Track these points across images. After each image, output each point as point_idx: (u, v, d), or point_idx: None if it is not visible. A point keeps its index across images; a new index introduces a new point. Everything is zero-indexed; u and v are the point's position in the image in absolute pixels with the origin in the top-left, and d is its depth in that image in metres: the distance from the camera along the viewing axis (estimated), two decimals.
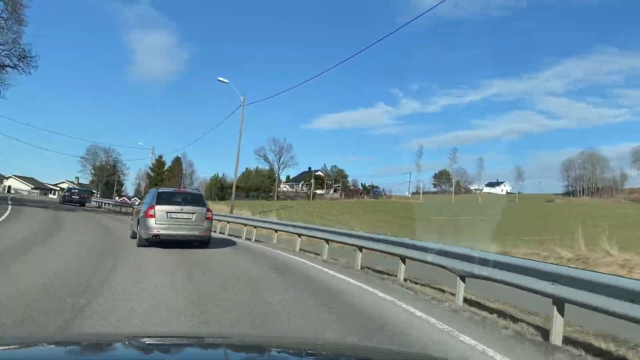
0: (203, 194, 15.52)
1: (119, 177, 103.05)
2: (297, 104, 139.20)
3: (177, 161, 78.38)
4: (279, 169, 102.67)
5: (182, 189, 19.00)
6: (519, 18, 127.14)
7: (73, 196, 42.76)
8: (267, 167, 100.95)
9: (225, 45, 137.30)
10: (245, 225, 19.19)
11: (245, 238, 18.05)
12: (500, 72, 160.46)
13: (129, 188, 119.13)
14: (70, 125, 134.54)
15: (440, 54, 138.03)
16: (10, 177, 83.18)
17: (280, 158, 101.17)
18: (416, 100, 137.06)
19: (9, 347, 1.87)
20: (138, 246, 12.48)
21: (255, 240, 17.31)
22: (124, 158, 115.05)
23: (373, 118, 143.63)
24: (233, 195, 35.46)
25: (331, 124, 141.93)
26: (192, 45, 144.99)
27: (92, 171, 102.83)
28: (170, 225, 12.42)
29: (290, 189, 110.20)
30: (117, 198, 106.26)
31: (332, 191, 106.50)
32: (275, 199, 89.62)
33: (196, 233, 12.79)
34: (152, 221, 12.23)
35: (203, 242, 13.11)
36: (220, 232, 19.64)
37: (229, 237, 17.98)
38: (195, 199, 13.47)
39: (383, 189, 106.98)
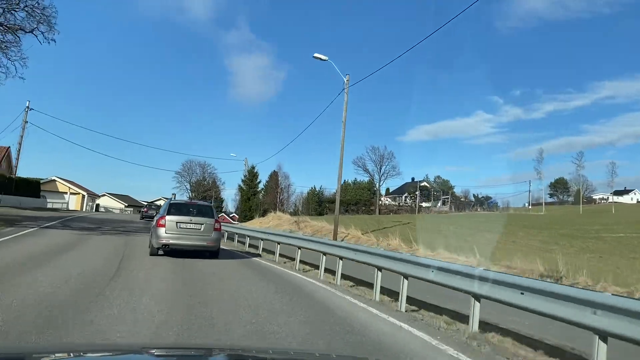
0: (213, 206, 15.62)
1: (219, 193, 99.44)
2: (391, 116, 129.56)
3: (274, 175, 71.73)
4: (379, 180, 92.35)
5: (193, 201, 19.10)
6: (629, 15, 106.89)
7: (150, 211, 45.58)
8: (365, 179, 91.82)
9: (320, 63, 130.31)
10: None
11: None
12: (612, 73, 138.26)
13: (230, 205, 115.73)
14: (167, 143, 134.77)
15: (544, 57, 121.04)
16: (104, 195, 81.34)
17: (380, 168, 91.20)
18: (518, 106, 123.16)
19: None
20: (150, 255, 12.99)
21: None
22: (219, 172, 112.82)
23: (470, 127, 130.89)
24: (337, 210, 25.78)
25: (425, 134, 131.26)
26: (288, 65, 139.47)
27: (188, 186, 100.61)
28: (180, 235, 12.98)
29: (393, 202, 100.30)
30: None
31: (439, 203, 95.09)
32: (377, 212, 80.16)
33: (204, 243, 13.26)
34: (162, 230, 12.88)
35: (212, 253, 13.69)
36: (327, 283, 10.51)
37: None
38: (205, 211, 14.01)
39: (496, 201, 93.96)
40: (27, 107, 42.16)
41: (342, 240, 23.08)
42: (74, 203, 60.92)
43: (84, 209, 60.05)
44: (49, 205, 50.21)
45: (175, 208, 13.68)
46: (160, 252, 13.12)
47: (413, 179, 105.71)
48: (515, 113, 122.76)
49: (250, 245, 20.25)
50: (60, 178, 60.95)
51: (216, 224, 13.55)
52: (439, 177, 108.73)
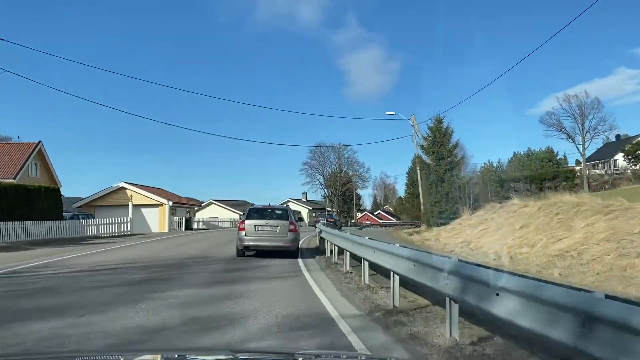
0: (288, 209, 16.96)
1: (356, 188, 74.89)
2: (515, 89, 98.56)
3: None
4: (583, 143, 59.31)
5: (270, 206, 19.13)
6: None
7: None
8: (558, 144, 60.72)
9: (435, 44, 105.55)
10: None
11: None
12: None
13: (367, 201, 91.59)
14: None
15: None
16: (210, 203, 59.38)
17: (583, 124, 57.74)
18: None
19: None
20: (237, 255, 14.89)
21: None
22: (365, 149, 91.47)
23: (611, 87, 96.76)
24: None
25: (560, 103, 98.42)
26: (402, 54, 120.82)
27: (322, 180, 76.67)
28: (258, 237, 14.44)
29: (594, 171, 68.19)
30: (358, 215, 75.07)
31: None
32: (587, 189, 48.56)
33: (281, 244, 14.51)
34: (243, 234, 14.50)
35: (290, 252, 14.82)
36: None
37: None
38: (280, 214, 15.43)
39: None
40: None
41: None
42: (156, 219, 38.54)
43: (168, 228, 37.15)
44: (91, 230, 27.40)
45: (253, 212, 15.38)
46: (248, 253, 14.77)
47: (618, 136, 72.79)
48: None
49: None
50: (130, 183, 39.12)
51: (291, 225, 14.64)
52: None
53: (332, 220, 60.45)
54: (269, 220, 14.62)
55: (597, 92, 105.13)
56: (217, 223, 48.57)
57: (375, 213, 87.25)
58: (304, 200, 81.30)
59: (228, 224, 49.72)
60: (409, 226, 61.94)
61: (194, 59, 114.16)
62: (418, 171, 34.66)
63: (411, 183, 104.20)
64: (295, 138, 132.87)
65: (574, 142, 59.25)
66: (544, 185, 56.11)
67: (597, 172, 67.45)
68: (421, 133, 33.69)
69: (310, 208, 74.57)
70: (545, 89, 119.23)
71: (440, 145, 31.42)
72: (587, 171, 59.31)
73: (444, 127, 31.66)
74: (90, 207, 40.82)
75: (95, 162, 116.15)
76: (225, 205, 59.54)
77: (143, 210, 39.54)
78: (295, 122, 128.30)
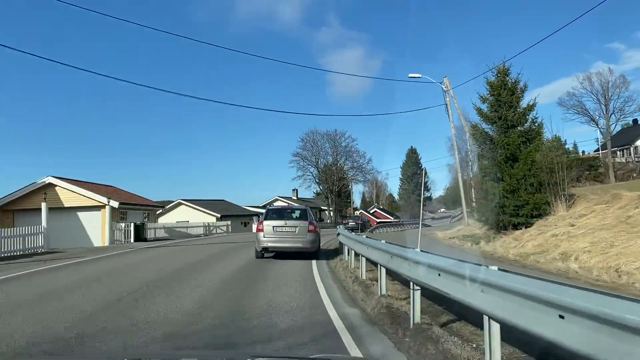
0: (308, 209, 16.04)
1: (356, 182, 65.55)
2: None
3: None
4: (607, 126, 51.22)
5: (289, 206, 20.52)
6: None
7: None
8: (550, 133, 51.37)
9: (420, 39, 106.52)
10: None
11: None
12: None
13: (357, 198, 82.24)
14: None
15: None
16: (179, 203, 47.85)
17: (607, 104, 48.83)
18: None
19: None
20: (256, 257, 14.45)
21: None
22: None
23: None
24: None
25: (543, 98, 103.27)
26: (384, 51, 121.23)
27: (316, 174, 66.54)
28: (277, 238, 14.05)
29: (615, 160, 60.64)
30: (353, 213, 65.92)
31: None
32: (613, 178, 41.64)
33: (300, 245, 14.04)
34: (261, 235, 14.18)
35: (310, 253, 14.34)
36: None
37: None
38: (299, 214, 15.05)
39: None
40: None
41: None
42: (97, 227, 27.36)
43: (110, 240, 26.28)
44: None
45: (272, 213, 15.13)
46: (266, 254, 14.48)
47: (636, 120, 66.24)
48: None
49: None
50: (62, 179, 27.90)
51: (310, 226, 14.22)
52: None
53: (361, 222, 51.22)
54: (287, 221, 14.40)
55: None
56: (184, 230, 36.02)
57: (371, 211, 77.09)
58: (295, 198, 71.07)
59: (201, 231, 37.89)
60: (412, 226, 52.43)
61: (172, 57, 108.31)
62: (468, 147, 24.17)
63: (406, 178, 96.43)
64: (283, 136, 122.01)
65: (597, 125, 50.72)
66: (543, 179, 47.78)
67: (617, 160, 58.97)
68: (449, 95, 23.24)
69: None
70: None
71: (509, 107, 21.20)
72: (613, 159, 50.23)
73: (512, 80, 21.55)
74: (5, 212, 29.42)
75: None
76: (198, 205, 46.91)
77: (81, 215, 28.32)
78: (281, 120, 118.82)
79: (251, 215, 51.90)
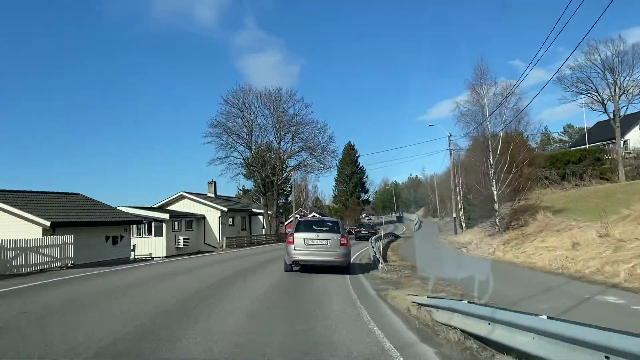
0: (339, 222, 15.48)
1: (292, 177, 54.27)
2: (412, 97, 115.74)
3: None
4: (616, 109, 40.60)
5: (320, 218, 19.72)
6: None
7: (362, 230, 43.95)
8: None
9: (334, 51, 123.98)
10: None
11: None
12: None
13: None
14: None
15: None
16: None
17: (615, 85, 40.20)
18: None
19: None
20: (285, 271, 14.14)
21: None
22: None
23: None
24: None
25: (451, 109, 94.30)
26: (302, 58, 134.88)
27: (248, 157, 47.51)
28: (308, 251, 13.52)
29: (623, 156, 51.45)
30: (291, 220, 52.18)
31: None
32: (622, 176, 37.04)
33: (332, 259, 13.52)
34: (291, 247, 13.66)
35: (342, 268, 13.85)
36: None
37: None
38: (330, 227, 14.32)
39: None
40: None
41: None
42: None
43: None
44: None
45: (302, 225, 14.25)
46: (295, 268, 13.96)
47: None
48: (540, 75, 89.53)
49: None
50: None
51: (342, 239, 13.73)
52: None
53: (373, 230, 45.31)
54: (319, 234, 13.80)
55: None
56: None
57: (310, 216, 62.14)
58: (212, 195, 45.24)
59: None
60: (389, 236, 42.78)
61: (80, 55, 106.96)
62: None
63: (342, 178, 79.42)
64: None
65: (604, 107, 43.13)
66: (567, 171, 41.24)
67: (630, 152, 50.22)
68: None
69: (225, 209, 41.34)
70: None
71: None
72: (622, 152, 43.31)
73: None
74: None
75: None
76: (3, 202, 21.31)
77: None
78: None
79: (128, 222, 28.37)
